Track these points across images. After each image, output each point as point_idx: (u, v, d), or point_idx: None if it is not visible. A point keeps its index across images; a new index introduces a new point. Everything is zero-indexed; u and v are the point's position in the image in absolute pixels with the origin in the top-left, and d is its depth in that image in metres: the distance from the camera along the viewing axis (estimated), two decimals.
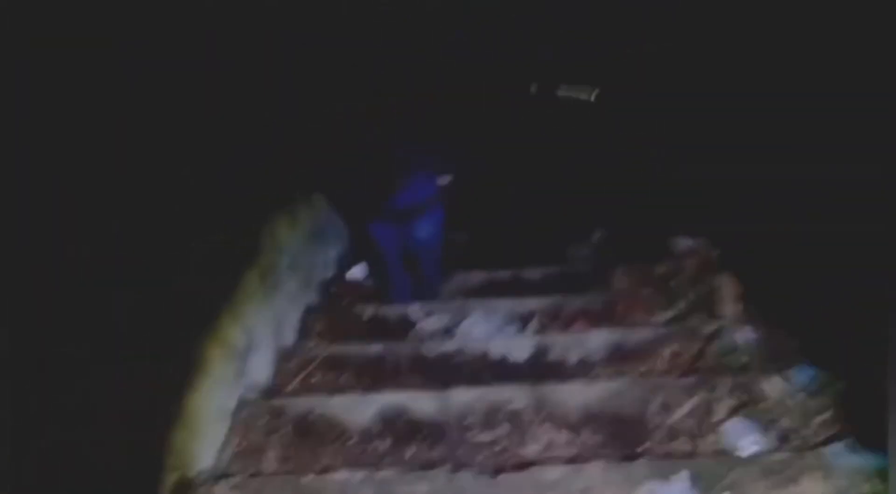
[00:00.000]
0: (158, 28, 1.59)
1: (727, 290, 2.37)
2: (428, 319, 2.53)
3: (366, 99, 2.44)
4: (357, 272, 3.14)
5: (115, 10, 1.39)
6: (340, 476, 1.56)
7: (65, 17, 1.23)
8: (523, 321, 2.48)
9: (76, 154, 1.28)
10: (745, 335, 2.11)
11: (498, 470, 1.56)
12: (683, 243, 2.89)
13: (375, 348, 2.23)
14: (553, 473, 1.53)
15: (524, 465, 1.59)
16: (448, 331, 2.46)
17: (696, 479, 1.48)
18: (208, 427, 1.66)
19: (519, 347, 2.23)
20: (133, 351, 1.41)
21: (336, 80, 2.79)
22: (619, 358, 2.14)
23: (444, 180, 2.54)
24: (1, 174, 1.07)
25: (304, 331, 2.51)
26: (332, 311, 2.67)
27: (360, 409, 1.86)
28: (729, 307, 2.31)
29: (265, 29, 2.34)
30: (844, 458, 1.47)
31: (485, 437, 1.77)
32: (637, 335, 2.23)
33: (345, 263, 3.18)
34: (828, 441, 1.59)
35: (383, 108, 2.33)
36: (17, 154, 1.10)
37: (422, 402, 1.88)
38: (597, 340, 2.20)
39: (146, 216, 1.53)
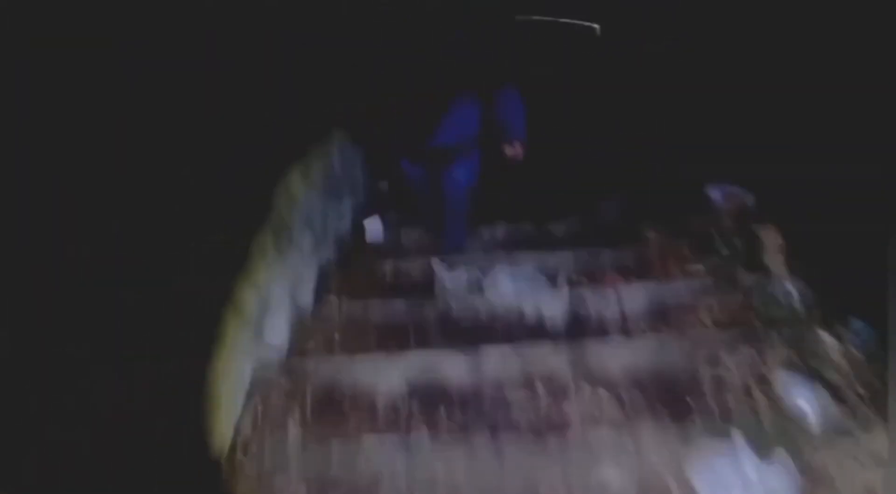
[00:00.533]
0: (158, 28, 1.59)
1: (768, 241, 2.26)
2: (453, 274, 2.37)
3: (367, 99, 2.42)
4: (374, 232, 2.95)
5: (115, 10, 1.39)
6: (371, 442, 1.46)
7: (65, 17, 1.23)
8: (553, 276, 2.34)
9: (76, 154, 1.27)
10: (790, 287, 2.01)
11: (540, 434, 1.46)
12: (718, 192, 2.76)
13: (399, 307, 2.09)
14: (601, 435, 1.45)
15: (569, 428, 1.50)
16: (475, 287, 2.32)
17: (750, 437, 1.41)
18: (226, 398, 1.59)
19: (552, 304, 2.09)
20: (133, 351, 1.41)
21: (336, 80, 2.79)
22: (659, 313, 2.04)
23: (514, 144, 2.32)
24: (1, 174, 1.07)
25: (321, 291, 2.32)
26: (350, 268, 2.52)
27: (386, 373, 1.74)
28: (771, 258, 2.20)
29: (265, 29, 2.34)
30: None
31: (523, 399, 1.66)
32: (675, 288, 2.12)
33: (361, 215, 3.00)
34: (885, 396, 1.47)
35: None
36: (17, 154, 1.10)
37: (452, 364, 1.77)
38: (633, 295, 2.09)
39: (146, 216, 1.53)
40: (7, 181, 1.08)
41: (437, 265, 2.39)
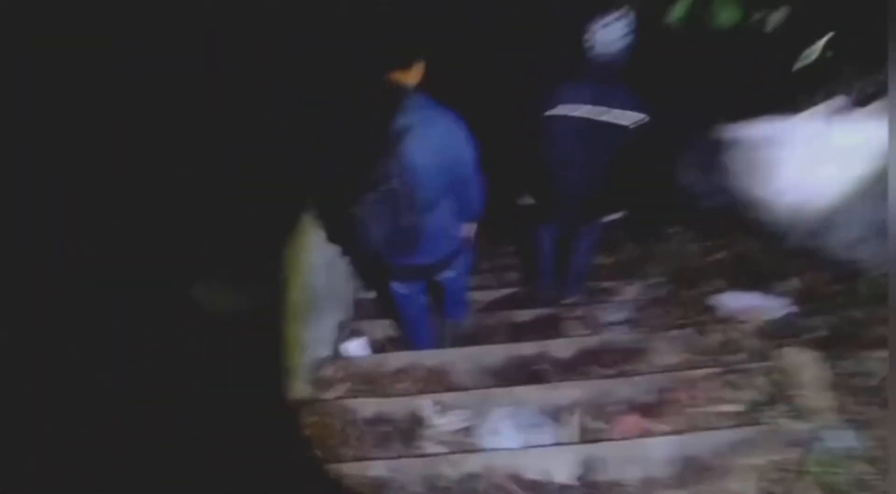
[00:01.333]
0: (158, 28, 1.59)
1: (808, 371, 1.84)
2: (443, 417, 2.04)
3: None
4: (356, 347, 2.56)
5: (115, 10, 1.39)
6: None
7: (65, 17, 1.23)
8: (561, 418, 2.00)
9: (76, 154, 1.27)
10: (846, 439, 1.60)
11: None
12: (734, 302, 2.28)
13: (377, 467, 1.77)
14: None
15: None
16: (470, 436, 1.99)
17: None
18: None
19: (562, 462, 1.78)
20: (133, 351, 1.41)
21: (336, 81, 2.78)
22: (691, 473, 1.69)
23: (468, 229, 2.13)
24: (1, 174, 1.07)
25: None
26: (322, 409, 2.09)
27: None
28: (814, 395, 1.77)
29: (265, 29, 2.34)
30: None
31: None
32: (709, 440, 1.76)
33: (342, 337, 2.67)
34: None
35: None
36: (17, 154, 1.10)
37: None
38: (658, 449, 1.75)
39: (146, 216, 1.53)
40: (7, 181, 1.08)
41: (424, 406, 2.07)
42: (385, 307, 2.81)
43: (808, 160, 2.62)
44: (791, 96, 2.66)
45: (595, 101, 2.26)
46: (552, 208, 2.58)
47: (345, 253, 2.51)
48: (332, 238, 2.33)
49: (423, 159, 1.75)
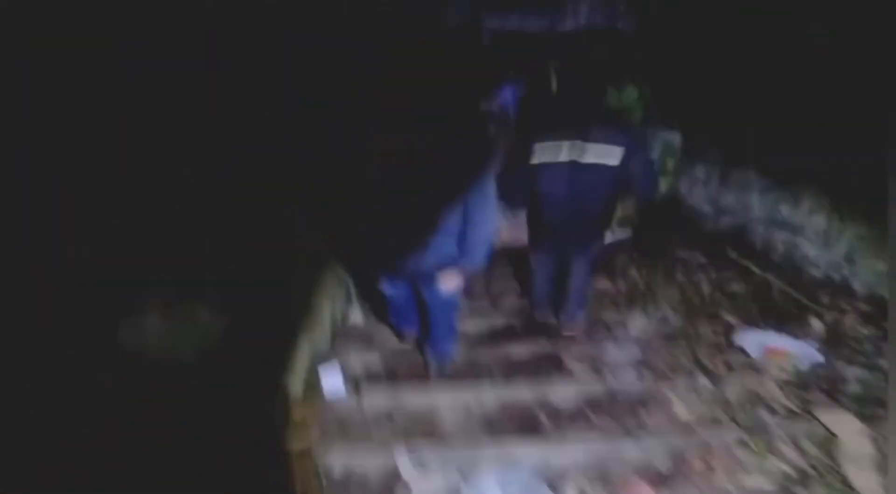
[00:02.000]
0: (158, 28, 1.59)
1: (847, 439, 1.47)
2: (423, 477, 1.78)
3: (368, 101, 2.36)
4: (333, 386, 2.32)
5: (115, 10, 1.39)
6: None
7: (65, 17, 1.23)
8: (559, 483, 1.74)
9: (76, 154, 1.27)
10: None
11: None
12: (753, 342, 1.96)
13: None
14: None
15: None
16: None
17: None
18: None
19: None
20: (132, 351, 1.41)
21: (337, 81, 2.79)
22: None
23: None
24: (1, 174, 1.07)
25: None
26: (290, 464, 1.80)
27: None
28: (856, 471, 1.40)
29: (265, 29, 2.34)
30: None
31: None
32: None
33: (319, 368, 2.45)
34: None
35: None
36: (17, 154, 1.10)
37: None
38: None
39: (146, 216, 1.53)
40: (7, 181, 1.08)
41: (402, 462, 1.82)
42: (373, 306, 2.77)
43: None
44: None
45: (577, 138, 2.23)
46: (545, 236, 2.57)
47: (344, 249, 2.52)
48: (336, 231, 2.35)
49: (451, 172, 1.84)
